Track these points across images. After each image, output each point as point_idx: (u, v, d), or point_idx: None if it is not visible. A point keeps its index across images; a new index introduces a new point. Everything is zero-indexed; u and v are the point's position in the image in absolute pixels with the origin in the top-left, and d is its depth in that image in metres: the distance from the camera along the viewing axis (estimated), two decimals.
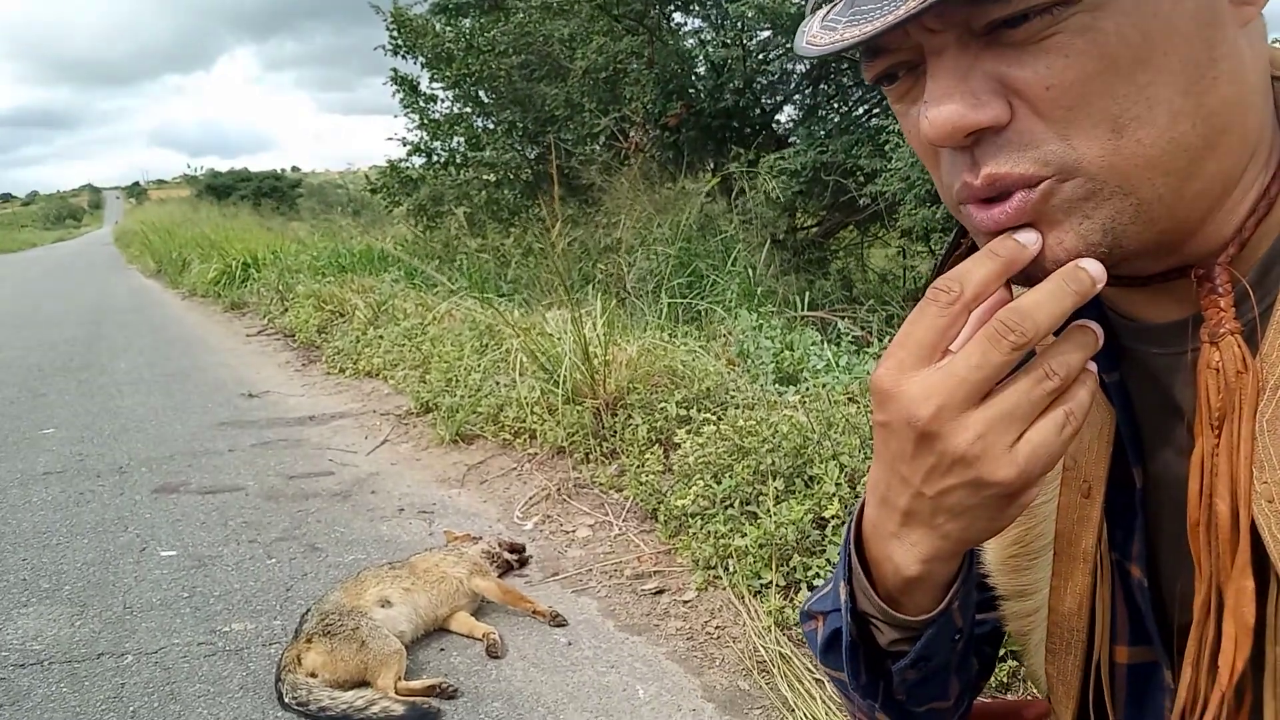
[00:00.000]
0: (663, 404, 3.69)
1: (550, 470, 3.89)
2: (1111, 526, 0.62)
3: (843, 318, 5.28)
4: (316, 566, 3.16)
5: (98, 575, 3.13)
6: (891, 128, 5.96)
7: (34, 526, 3.59)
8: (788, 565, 2.67)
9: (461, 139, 10.42)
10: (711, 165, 8.35)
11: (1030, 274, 0.50)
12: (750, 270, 6.16)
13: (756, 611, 2.60)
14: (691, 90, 8.53)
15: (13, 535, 3.51)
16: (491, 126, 10.08)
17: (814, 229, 8.59)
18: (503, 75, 9.19)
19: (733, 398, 3.70)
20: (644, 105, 8.13)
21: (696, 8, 8.89)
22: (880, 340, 4.71)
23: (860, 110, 8.61)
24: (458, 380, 4.84)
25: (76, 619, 2.82)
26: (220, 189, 43.19)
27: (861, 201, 6.88)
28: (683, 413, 3.60)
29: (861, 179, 6.76)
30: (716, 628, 2.62)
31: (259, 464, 4.34)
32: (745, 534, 2.77)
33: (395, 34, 9.80)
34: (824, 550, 2.67)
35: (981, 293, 0.50)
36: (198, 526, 3.55)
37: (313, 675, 2.34)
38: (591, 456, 3.83)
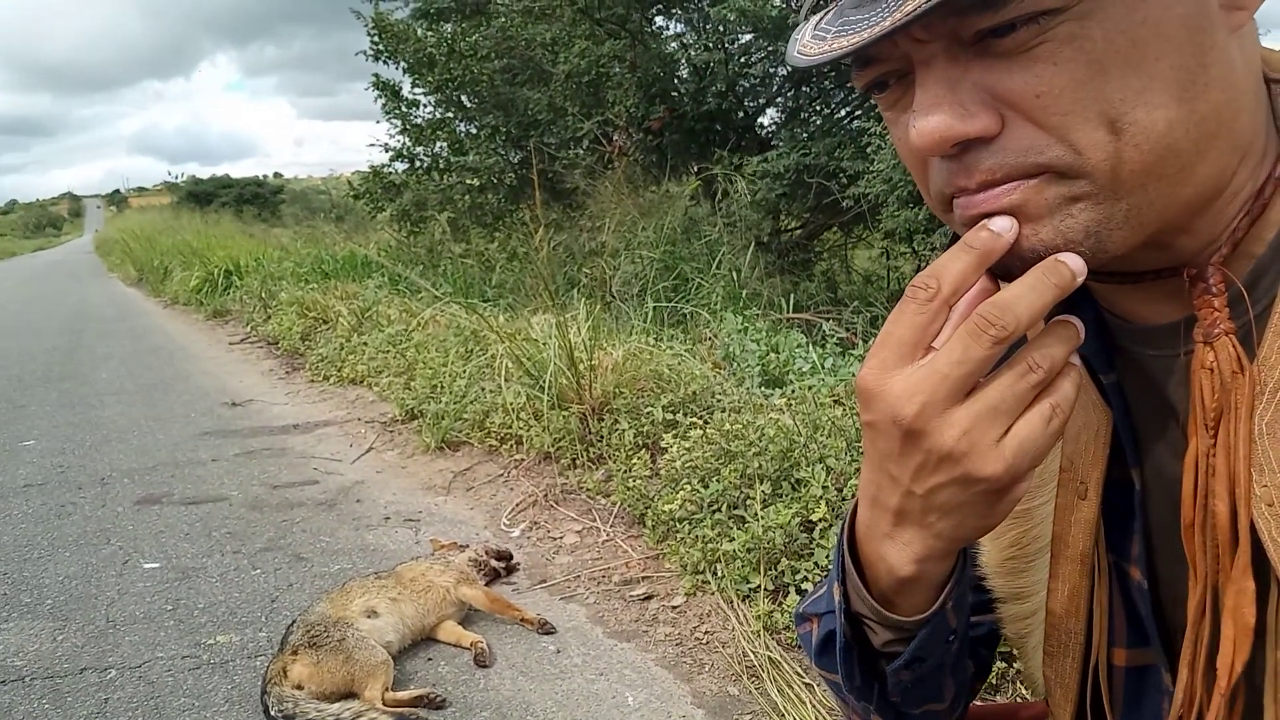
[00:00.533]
0: (649, 408, 3.69)
1: (537, 476, 3.88)
2: (1109, 528, 0.62)
3: (827, 319, 5.30)
4: (302, 577, 3.13)
5: (80, 589, 3.09)
6: (873, 130, 5.99)
7: (14, 540, 3.55)
8: (776, 569, 2.67)
9: (444, 144, 10.40)
10: (695, 168, 8.36)
11: (1007, 266, 0.50)
12: (735, 273, 6.16)
13: (745, 616, 2.59)
14: (674, 94, 8.55)
15: None
16: (474, 131, 10.07)
17: (798, 231, 8.62)
18: (485, 80, 9.18)
19: (719, 401, 3.69)
20: (627, 109, 8.13)
21: (678, 11, 8.90)
22: (865, 342, 4.72)
23: (842, 113, 8.65)
24: (443, 386, 4.82)
25: (58, 633, 2.78)
26: (202, 196, 42.92)
27: (844, 203, 6.90)
28: (669, 417, 3.60)
29: (844, 181, 6.78)
30: (705, 633, 2.61)
31: (243, 474, 4.31)
32: (733, 538, 2.77)
33: (376, 39, 9.77)
34: (812, 554, 2.67)
35: (959, 286, 0.50)
36: (181, 538, 3.51)
37: (299, 688, 2.31)
38: (578, 462, 3.82)
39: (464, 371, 4.86)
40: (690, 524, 2.98)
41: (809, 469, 2.87)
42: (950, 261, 0.50)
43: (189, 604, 2.94)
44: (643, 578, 2.98)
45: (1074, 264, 0.48)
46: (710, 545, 2.83)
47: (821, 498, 2.73)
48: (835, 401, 3.41)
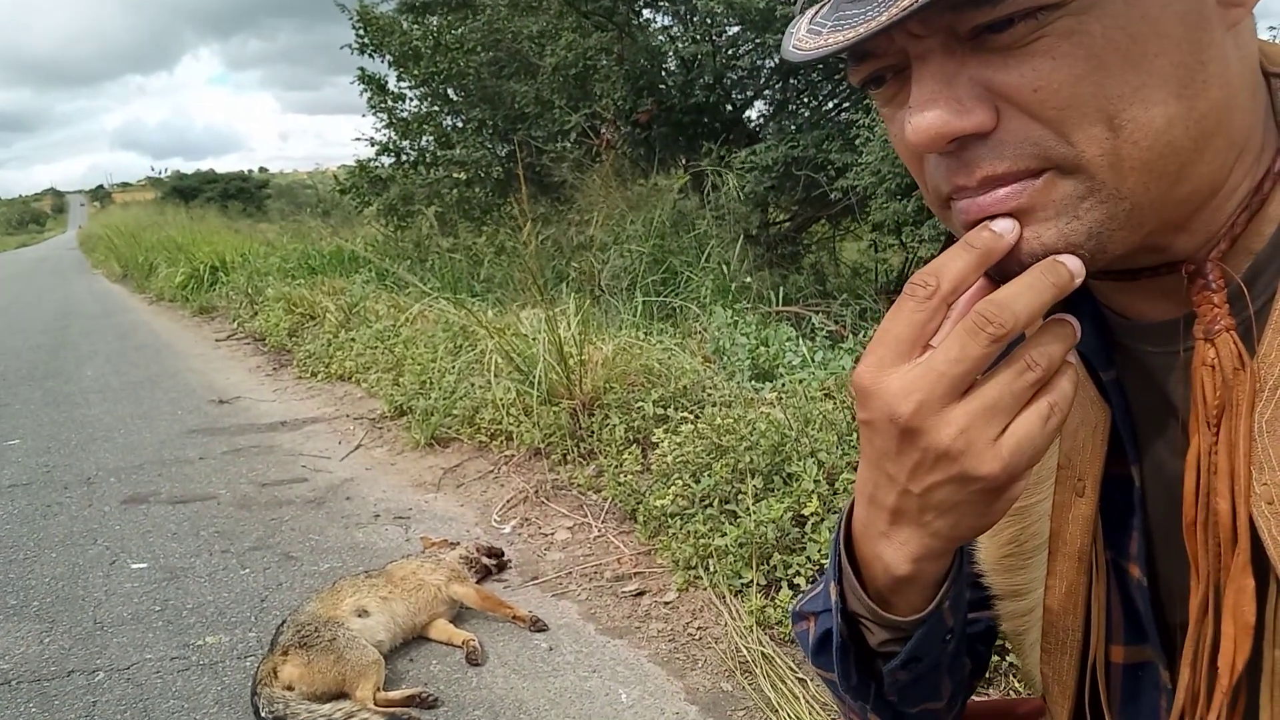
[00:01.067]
0: (639, 403, 3.68)
1: (527, 472, 3.87)
2: (1108, 525, 0.62)
3: (817, 312, 5.30)
4: (291, 576, 3.11)
5: (66, 590, 3.07)
6: (862, 122, 5.98)
7: None
8: (768, 564, 2.67)
9: (431, 138, 10.35)
10: (683, 161, 8.34)
11: (1005, 267, 0.49)
12: (724, 266, 6.16)
13: (738, 611, 2.59)
14: (662, 86, 8.52)
15: None
16: (461, 125, 10.02)
17: (786, 224, 8.61)
18: (471, 73, 9.13)
19: (709, 395, 3.69)
20: (614, 102, 8.10)
21: (665, 4, 8.87)
22: (854, 334, 4.72)
23: (830, 105, 8.64)
24: (432, 382, 4.80)
25: (45, 635, 2.76)
26: (186, 191, 42.67)
27: (833, 196, 6.90)
28: (660, 412, 3.59)
29: (832, 173, 6.77)
30: (698, 629, 2.61)
31: (230, 472, 4.28)
32: (725, 533, 2.76)
33: (362, 32, 9.71)
34: (804, 548, 2.66)
35: (959, 285, 0.49)
36: (169, 537, 3.49)
37: (289, 688, 2.30)
38: (569, 457, 3.81)
39: (453, 367, 4.84)
40: (682, 519, 2.98)
41: (800, 463, 2.86)
42: (950, 260, 0.49)
43: (177, 604, 2.92)
44: (635, 574, 2.97)
45: (1072, 265, 0.48)
46: (702, 540, 2.83)
47: (813, 492, 2.73)
48: (826, 395, 3.41)
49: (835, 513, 2.68)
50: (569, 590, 2.93)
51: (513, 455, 4.02)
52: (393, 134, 10.46)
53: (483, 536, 3.34)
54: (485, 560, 2.98)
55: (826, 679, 0.70)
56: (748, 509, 2.78)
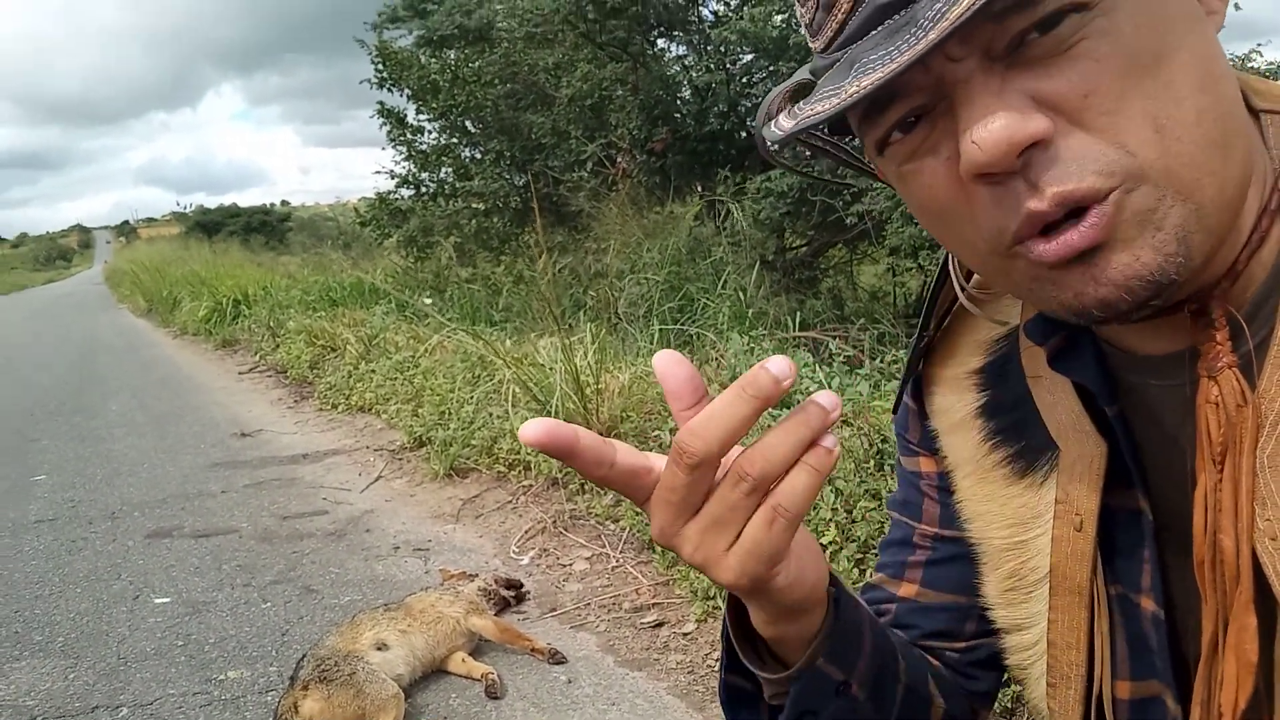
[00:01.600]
0: (656, 431, 3.68)
1: (545, 502, 3.87)
2: (1118, 559, 0.62)
3: (834, 337, 5.28)
4: (312, 609, 3.13)
5: (91, 625, 3.09)
6: None
7: (26, 576, 3.56)
8: None
9: (449, 169, 10.46)
10: (699, 189, 8.38)
11: (1110, 303, 0.48)
12: (741, 292, 6.16)
13: None
14: (676, 115, 8.58)
15: (4, 586, 3.47)
16: (479, 156, 10.12)
17: (803, 249, 8.61)
18: (489, 105, 9.24)
19: None
20: (630, 131, 8.17)
21: (680, 34, 8.95)
22: (872, 359, 4.70)
23: None
24: (450, 413, 4.83)
25: (70, 671, 2.78)
26: (210, 225, 43.22)
27: (849, 220, 6.89)
28: None
29: (848, 198, 6.77)
30: (718, 660, 2.59)
31: (252, 505, 4.31)
32: None
33: (380, 67, 9.85)
34: None
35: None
36: (191, 572, 3.52)
37: None
38: (586, 487, 3.81)
39: (471, 397, 4.87)
40: None
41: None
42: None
43: (200, 639, 2.94)
44: (653, 604, 2.96)
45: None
46: None
47: (830, 520, 2.72)
48: (843, 422, 3.40)
49: (853, 541, 2.67)
50: (587, 621, 2.92)
51: (530, 485, 4.03)
52: (412, 166, 10.58)
53: (501, 568, 3.35)
54: (503, 592, 2.99)
55: None
56: None
